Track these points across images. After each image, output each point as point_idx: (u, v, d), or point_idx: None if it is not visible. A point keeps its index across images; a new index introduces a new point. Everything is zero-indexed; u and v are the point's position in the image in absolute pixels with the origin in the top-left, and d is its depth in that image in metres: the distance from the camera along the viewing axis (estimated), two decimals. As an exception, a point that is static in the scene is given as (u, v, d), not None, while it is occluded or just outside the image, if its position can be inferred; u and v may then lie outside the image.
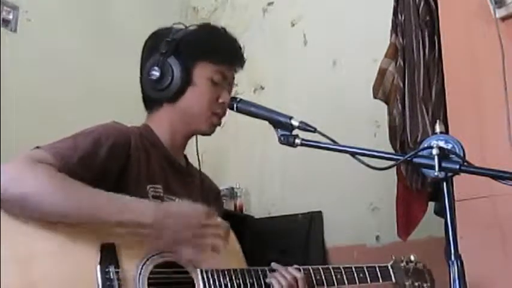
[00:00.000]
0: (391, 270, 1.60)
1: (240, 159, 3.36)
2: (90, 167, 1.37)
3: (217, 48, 1.62)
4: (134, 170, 1.47)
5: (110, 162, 1.41)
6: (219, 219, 1.47)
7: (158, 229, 1.31)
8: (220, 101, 1.60)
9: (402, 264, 1.63)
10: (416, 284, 1.63)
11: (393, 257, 1.62)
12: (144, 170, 1.49)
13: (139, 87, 1.64)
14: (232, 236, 1.53)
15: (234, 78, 1.67)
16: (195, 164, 1.71)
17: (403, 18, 2.21)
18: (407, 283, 1.61)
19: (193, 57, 1.58)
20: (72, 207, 1.26)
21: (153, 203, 1.40)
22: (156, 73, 1.56)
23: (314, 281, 1.48)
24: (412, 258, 1.64)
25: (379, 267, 1.58)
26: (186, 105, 1.58)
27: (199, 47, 1.60)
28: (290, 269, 1.47)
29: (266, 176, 3.26)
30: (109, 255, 1.29)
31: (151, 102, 1.63)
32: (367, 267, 1.55)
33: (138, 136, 1.52)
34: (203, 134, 1.64)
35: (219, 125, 1.63)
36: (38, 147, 1.36)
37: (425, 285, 1.64)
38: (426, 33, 2.15)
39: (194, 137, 1.67)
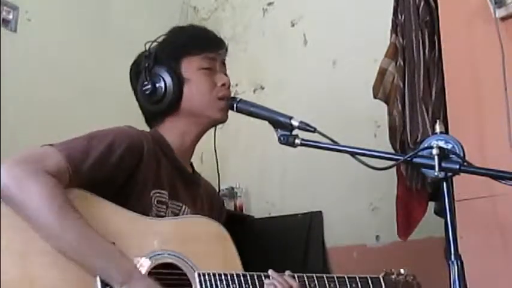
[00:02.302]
0: (382, 281, 1.60)
1: (240, 159, 3.36)
2: (101, 172, 1.37)
3: (193, 40, 1.63)
4: (142, 175, 1.46)
5: (120, 167, 1.41)
6: (220, 230, 1.49)
7: None
8: (219, 84, 1.59)
9: (393, 277, 1.63)
10: None
11: (384, 269, 1.63)
12: (153, 175, 1.49)
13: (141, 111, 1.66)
14: (229, 240, 1.53)
15: (224, 63, 1.66)
16: (201, 167, 1.71)
17: (403, 18, 2.20)
18: None
19: (175, 58, 1.59)
20: (57, 237, 1.26)
21: (133, 265, 1.34)
22: (148, 86, 1.56)
23: None
24: (402, 271, 1.64)
25: (371, 278, 1.58)
26: (189, 104, 1.58)
27: (177, 46, 1.61)
28: (286, 277, 1.46)
29: (266, 176, 3.25)
30: None
31: (155, 117, 1.62)
32: (359, 277, 1.56)
33: (150, 141, 1.52)
34: (218, 122, 1.62)
35: (228, 108, 1.58)
36: (51, 144, 1.35)
37: None
38: (426, 33, 2.15)
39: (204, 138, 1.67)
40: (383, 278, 1.61)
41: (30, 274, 1.21)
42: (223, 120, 1.61)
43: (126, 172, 1.43)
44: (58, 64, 2.91)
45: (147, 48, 1.61)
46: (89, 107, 2.91)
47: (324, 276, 1.51)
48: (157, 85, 1.56)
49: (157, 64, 1.57)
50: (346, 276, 1.54)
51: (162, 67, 1.57)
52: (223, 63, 1.66)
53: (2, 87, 2.52)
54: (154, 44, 1.61)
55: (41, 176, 1.26)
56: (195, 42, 1.62)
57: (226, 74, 1.64)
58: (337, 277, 1.53)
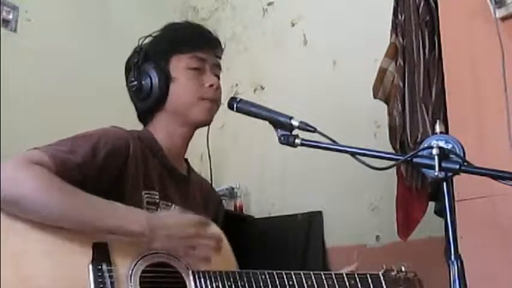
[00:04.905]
0: (382, 278, 1.58)
1: (240, 159, 3.36)
2: (87, 172, 1.36)
3: (183, 38, 1.62)
4: (131, 175, 1.46)
5: (106, 167, 1.41)
6: (213, 228, 1.46)
7: (149, 238, 1.31)
8: (206, 85, 1.59)
9: (393, 273, 1.61)
10: None
11: (384, 266, 1.61)
12: (141, 175, 1.48)
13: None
14: (224, 240, 1.51)
15: (218, 64, 1.65)
16: (201, 167, 1.70)
17: (403, 18, 2.21)
18: None
19: (164, 56, 1.59)
20: (65, 211, 1.26)
21: (145, 212, 1.38)
22: (134, 82, 1.57)
23: (306, 286, 1.46)
24: (403, 268, 1.62)
25: (370, 275, 1.56)
26: (174, 103, 1.58)
27: (167, 43, 1.60)
28: None
29: (266, 176, 3.25)
30: (101, 254, 1.29)
31: (144, 115, 1.63)
32: (358, 274, 1.54)
33: (137, 141, 1.51)
34: (202, 124, 1.62)
35: (214, 109, 1.60)
36: (36, 148, 1.35)
37: None
38: (426, 33, 2.15)
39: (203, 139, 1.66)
40: (382, 274, 1.59)
41: (22, 274, 1.21)
42: (206, 121, 1.61)
43: (111, 172, 1.42)
44: (58, 64, 2.92)
45: (139, 44, 1.61)
46: (89, 107, 2.91)
47: (322, 273, 1.49)
48: (143, 82, 1.57)
49: (146, 61, 1.58)
50: (344, 273, 1.53)
51: (150, 64, 1.58)
52: (216, 65, 1.65)
53: (2, 87, 2.52)
54: (147, 39, 1.61)
55: (31, 167, 1.27)
56: (184, 41, 1.61)
57: (218, 76, 1.63)
58: (335, 274, 1.51)
